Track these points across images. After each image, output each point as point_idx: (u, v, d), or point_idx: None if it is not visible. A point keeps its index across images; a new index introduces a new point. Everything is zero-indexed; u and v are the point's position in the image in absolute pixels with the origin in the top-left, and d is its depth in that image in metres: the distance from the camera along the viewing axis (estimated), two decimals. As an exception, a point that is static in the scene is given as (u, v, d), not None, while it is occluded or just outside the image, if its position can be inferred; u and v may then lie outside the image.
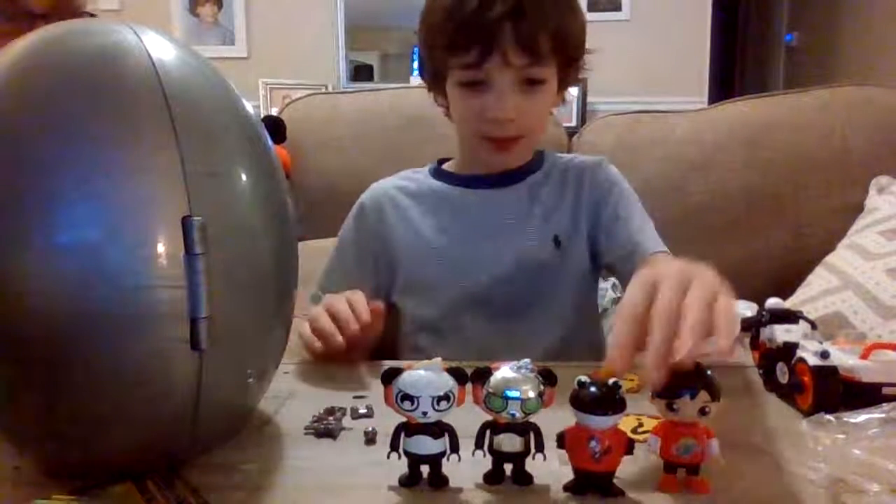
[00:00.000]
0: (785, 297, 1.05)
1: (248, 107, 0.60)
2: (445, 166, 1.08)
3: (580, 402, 0.49)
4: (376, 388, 0.51)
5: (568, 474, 0.52)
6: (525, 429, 0.51)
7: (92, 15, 1.09)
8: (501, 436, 0.51)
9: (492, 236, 0.99)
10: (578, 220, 0.99)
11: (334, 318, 0.80)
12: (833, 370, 0.63)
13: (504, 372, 0.50)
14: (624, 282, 0.96)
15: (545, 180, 1.02)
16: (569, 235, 0.99)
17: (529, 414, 0.50)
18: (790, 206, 1.36)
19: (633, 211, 0.99)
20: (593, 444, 0.49)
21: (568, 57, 0.95)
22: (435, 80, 0.99)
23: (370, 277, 1.03)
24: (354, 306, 0.81)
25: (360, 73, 3.90)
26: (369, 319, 0.81)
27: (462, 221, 1.01)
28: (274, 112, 1.72)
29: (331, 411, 0.66)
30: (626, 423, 0.63)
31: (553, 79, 0.94)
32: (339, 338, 0.79)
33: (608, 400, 0.48)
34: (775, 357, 0.71)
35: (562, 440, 0.51)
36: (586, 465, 0.50)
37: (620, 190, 1.01)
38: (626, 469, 0.54)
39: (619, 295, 1.37)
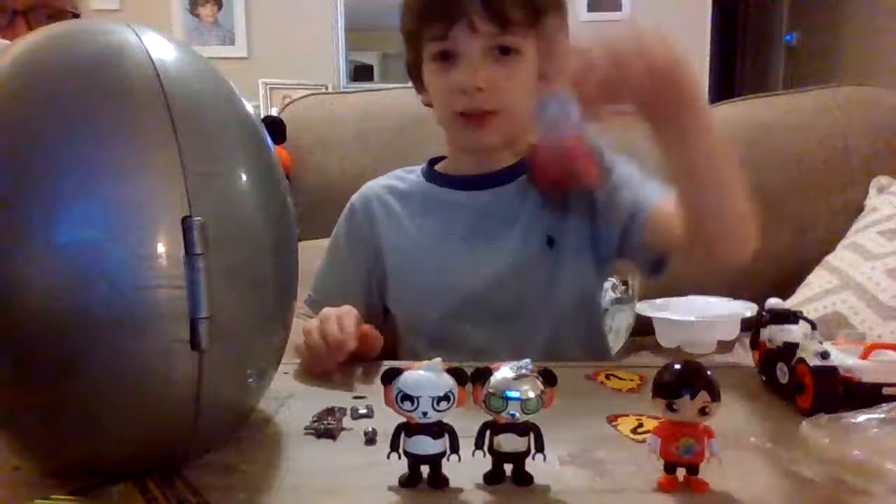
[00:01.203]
0: (785, 297, 1.06)
1: (248, 107, 0.60)
2: (438, 167, 1.06)
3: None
4: (376, 388, 0.52)
5: (568, 475, 0.52)
6: (525, 429, 0.51)
7: (75, 14, 1.08)
8: (501, 436, 0.51)
9: (482, 239, 0.97)
10: (571, 214, 0.96)
11: (325, 340, 0.80)
12: (833, 370, 0.63)
13: (504, 372, 0.50)
14: (635, 249, 0.91)
15: None
16: (562, 232, 0.96)
17: (529, 414, 0.50)
18: (790, 206, 1.36)
19: (630, 180, 0.94)
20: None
21: (544, 30, 0.91)
22: (416, 72, 0.98)
23: (364, 281, 1.02)
24: (343, 331, 0.80)
25: (360, 73, 3.91)
26: (354, 346, 0.80)
27: (452, 225, 0.98)
28: (274, 112, 1.72)
29: (331, 411, 0.66)
30: (626, 423, 0.63)
31: (530, 52, 0.92)
32: (331, 363, 0.80)
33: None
34: (775, 357, 0.71)
35: None
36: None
37: (614, 173, 0.96)
38: (627, 469, 0.54)
39: (619, 295, 1.36)
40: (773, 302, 0.75)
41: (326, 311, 0.85)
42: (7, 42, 0.88)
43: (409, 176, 1.06)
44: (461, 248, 0.97)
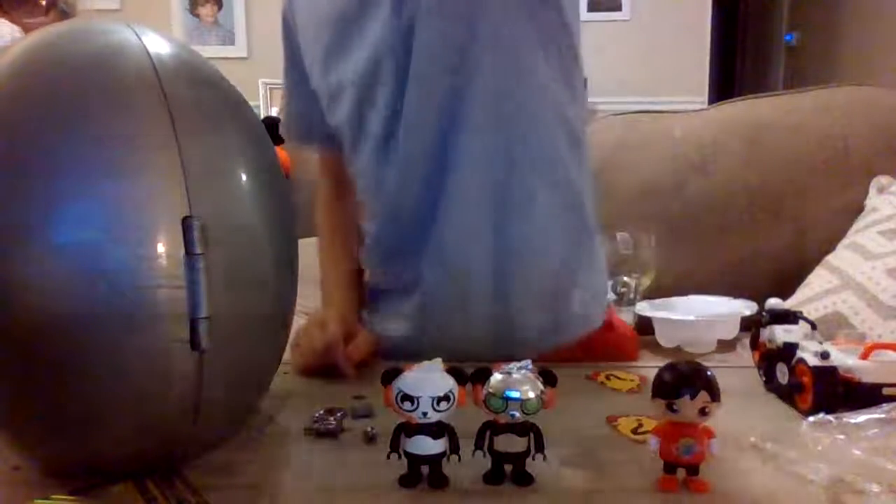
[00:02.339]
0: (785, 297, 1.05)
1: (249, 107, 0.60)
2: None
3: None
4: (376, 388, 0.51)
5: (568, 475, 0.52)
6: (525, 429, 0.51)
7: (51, 3, 1.07)
8: (501, 436, 0.51)
9: (349, 34, 0.76)
10: None
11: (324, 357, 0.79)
12: (833, 370, 0.63)
13: (504, 372, 0.50)
14: None
15: None
16: None
17: (529, 414, 0.50)
18: (790, 206, 1.36)
19: None
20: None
21: None
22: None
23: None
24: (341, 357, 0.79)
25: (360, 73, 3.90)
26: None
27: (323, 20, 0.79)
28: (274, 112, 1.72)
29: (331, 411, 0.65)
30: (626, 423, 0.63)
31: None
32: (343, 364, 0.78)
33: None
34: (775, 357, 0.71)
35: None
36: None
37: None
38: (627, 469, 0.54)
39: (622, 291, 1.35)
40: (773, 302, 0.75)
41: (310, 318, 0.83)
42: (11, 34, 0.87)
43: None
44: (338, 50, 0.79)
